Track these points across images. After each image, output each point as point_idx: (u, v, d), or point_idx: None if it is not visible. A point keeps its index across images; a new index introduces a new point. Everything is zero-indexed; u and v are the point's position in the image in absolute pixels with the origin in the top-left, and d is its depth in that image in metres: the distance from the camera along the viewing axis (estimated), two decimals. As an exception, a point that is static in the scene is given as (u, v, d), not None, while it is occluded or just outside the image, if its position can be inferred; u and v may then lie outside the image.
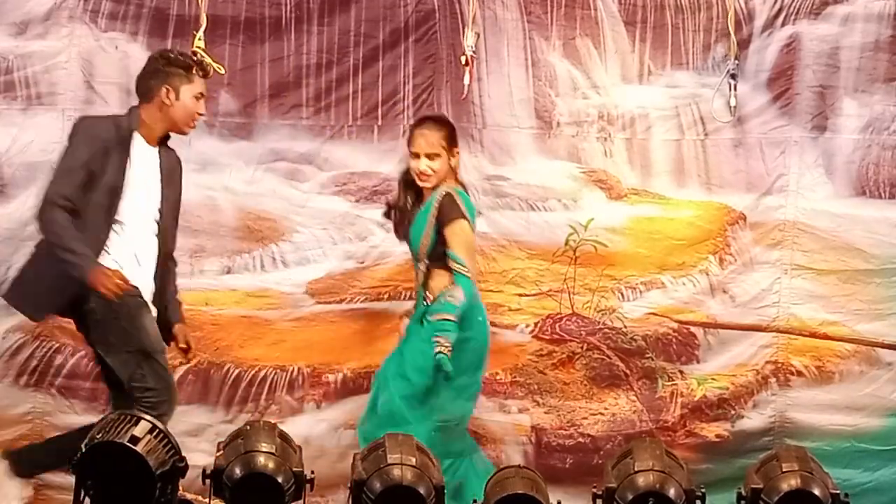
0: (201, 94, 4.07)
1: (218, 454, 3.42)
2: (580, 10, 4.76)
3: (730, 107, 4.34)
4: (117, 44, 4.63)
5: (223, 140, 4.69)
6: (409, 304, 4.62)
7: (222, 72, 4.11)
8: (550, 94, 4.77)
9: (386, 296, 4.73)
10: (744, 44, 4.73)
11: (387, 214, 4.27)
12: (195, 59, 4.09)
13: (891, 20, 4.79)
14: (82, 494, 3.34)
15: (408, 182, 4.20)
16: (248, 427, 3.49)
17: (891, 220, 4.80)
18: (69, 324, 4.64)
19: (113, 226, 4.03)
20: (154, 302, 4.11)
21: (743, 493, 3.48)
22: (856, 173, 4.81)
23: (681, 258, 4.80)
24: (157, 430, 3.40)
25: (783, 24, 4.77)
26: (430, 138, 4.15)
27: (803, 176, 4.79)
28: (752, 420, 4.79)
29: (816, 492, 3.41)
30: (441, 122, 4.24)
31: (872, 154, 4.81)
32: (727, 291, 4.81)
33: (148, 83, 4.07)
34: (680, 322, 4.74)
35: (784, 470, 3.45)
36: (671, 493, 3.39)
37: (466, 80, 4.15)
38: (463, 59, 4.15)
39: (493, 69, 4.73)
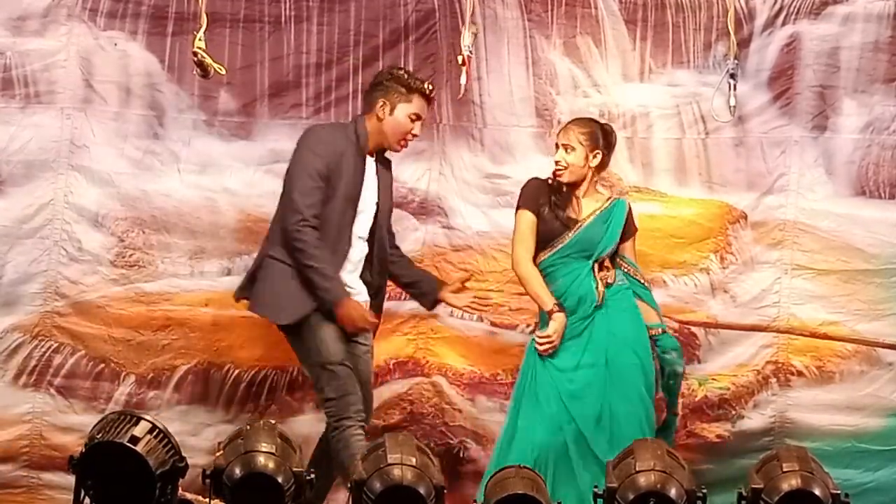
0: (417, 115, 4.15)
1: (218, 454, 3.42)
2: (581, 9, 4.75)
3: (729, 106, 4.33)
4: (116, 42, 4.62)
5: (223, 140, 4.68)
6: (412, 305, 4.62)
7: (223, 72, 4.10)
8: (551, 93, 4.77)
9: (386, 296, 4.73)
10: (744, 43, 4.73)
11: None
12: (197, 59, 4.08)
13: (891, 20, 4.78)
14: (82, 494, 3.34)
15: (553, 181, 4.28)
16: (248, 427, 3.49)
17: (891, 220, 4.80)
18: (69, 323, 4.66)
19: (352, 239, 4.13)
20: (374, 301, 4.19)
21: (744, 492, 3.48)
22: (856, 173, 4.81)
23: (682, 256, 4.80)
24: (157, 430, 3.40)
25: (783, 24, 4.77)
26: (570, 132, 4.27)
27: (804, 176, 4.78)
28: (753, 420, 4.79)
29: (817, 492, 3.41)
30: (591, 122, 4.34)
31: (872, 154, 4.81)
32: (728, 291, 4.81)
33: (371, 95, 4.20)
34: (681, 322, 4.74)
35: (784, 470, 3.45)
36: (672, 493, 3.39)
37: (463, 80, 4.15)
38: (460, 59, 4.15)
39: (493, 68, 4.73)
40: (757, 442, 4.72)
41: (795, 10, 4.76)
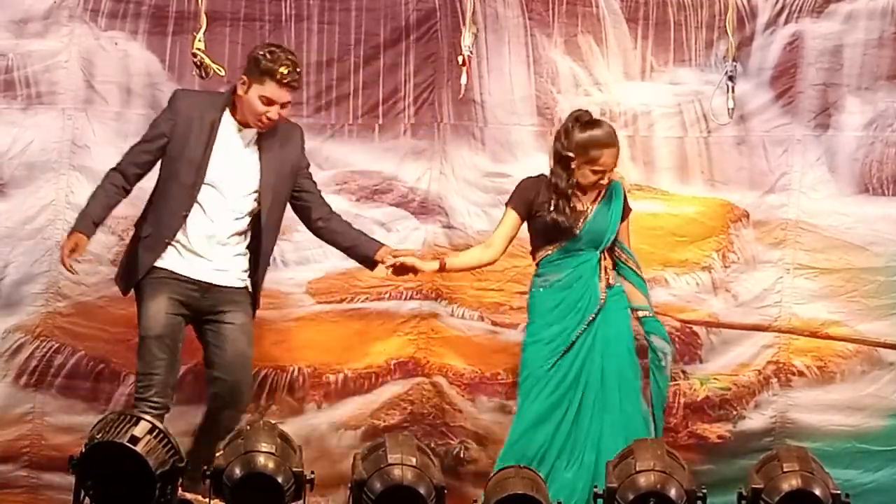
0: (269, 99, 4.03)
1: (218, 454, 3.42)
2: (582, 7, 4.74)
3: (727, 109, 4.32)
4: (117, 41, 4.62)
5: (224, 138, 4.67)
6: (412, 305, 4.62)
7: (222, 73, 4.10)
8: (552, 92, 4.76)
9: (386, 296, 4.73)
10: (746, 41, 4.72)
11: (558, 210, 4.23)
12: (197, 60, 4.08)
13: (894, 17, 4.76)
14: (82, 494, 3.35)
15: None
16: (248, 427, 3.50)
17: (893, 218, 4.78)
18: (70, 324, 4.66)
19: (204, 209, 4.05)
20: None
21: (744, 493, 3.47)
22: (859, 171, 4.79)
23: (683, 255, 4.79)
24: (157, 430, 3.40)
25: (786, 22, 4.75)
26: (618, 154, 4.22)
27: (806, 174, 4.77)
28: (754, 420, 4.78)
29: (817, 492, 3.41)
30: (617, 138, 4.28)
31: (876, 151, 4.79)
32: (729, 290, 4.80)
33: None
34: (682, 321, 4.73)
35: (785, 470, 3.45)
36: (672, 493, 3.39)
37: (464, 80, 4.14)
38: (460, 59, 4.14)
39: (494, 67, 4.72)
40: (758, 442, 4.71)
41: (798, 8, 4.75)
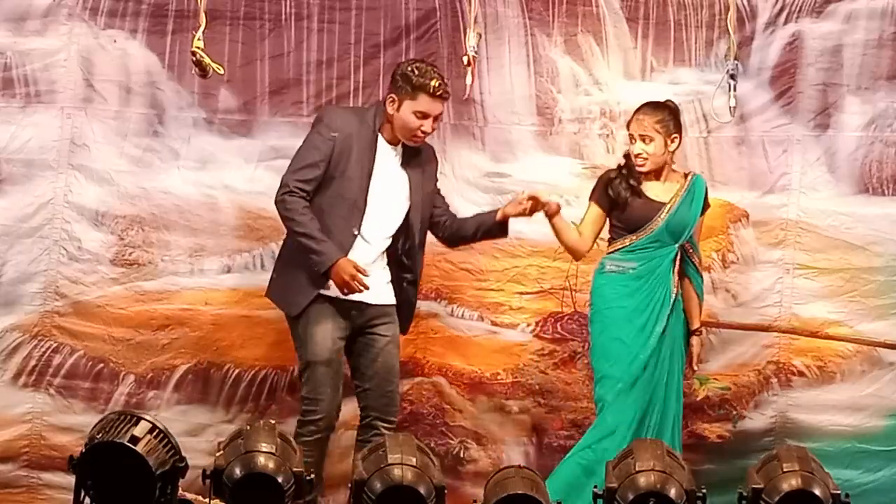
0: (423, 113, 4.11)
1: (218, 454, 3.42)
2: (582, 7, 4.74)
3: (729, 107, 4.33)
4: (116, 40, 4.62)
5: (223, 137, 4.68)
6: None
7: (221, 72, 4.10)
8: (552, 91, 4.76)
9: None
10: (746, 41, 4.72)
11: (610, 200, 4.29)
12: (196, 59, 4.07)
13: (893, 17, 4.77)
14: (82, 494, 3.34)
15: (625, 169, 4.32)
16: (248, 427, 3.49)
17: (893, 218, 4.79)
18: (68, 323, 4.66)
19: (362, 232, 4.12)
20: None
21: (744, 493, 3.47)
22: (858, 171, 4.80)
23: (683, 255, 4.80)
24: (157, 430, 3.40)
25: (786, 22, 4.75)
26: (643, 121, 4.29)
27: (806, 174, 4.77)
28: (754, 420, 4.78)
29: (817, 492, 3.40)
30: (659, 107, 4.35)
31: (875, 151, 4.80)
32: (729, 290, 4.80)
33: (389, 87, 4.19)
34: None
35: (785, 470, 3.45)
36: (672, 493, 3.38)
37: (469, 81, 4.15)
38: (465, 59, 4.15)
39: (494, 66, 4.72)
40: (758, 442, 4.71)
41: (797, 8, 4.75)
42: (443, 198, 4.37)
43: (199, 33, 4.03)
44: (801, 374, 4.80)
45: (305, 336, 4.12)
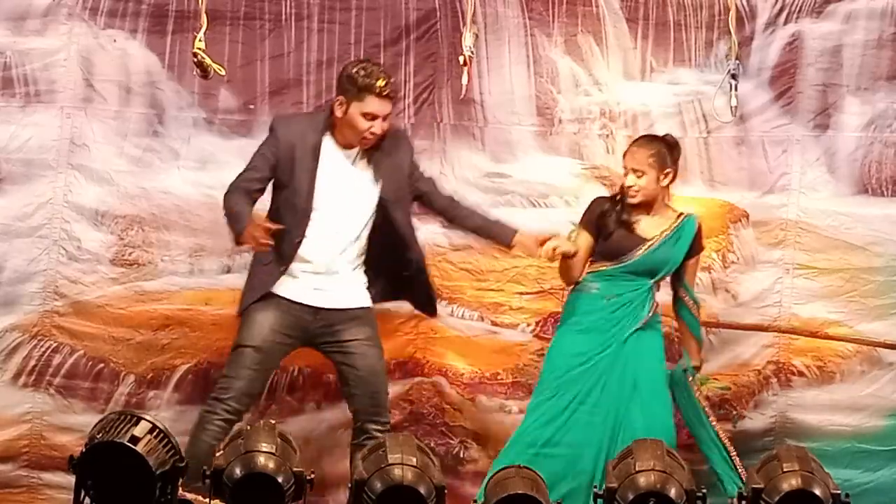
0: (372, 114, 4.04)
1: (218, 454, 3.42)
2: (582, 7, 4.75)
3: (731, 107, 4.33)
4: (116, 40, 4.62)
5: (223, 137, 4.68)
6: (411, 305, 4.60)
7: (223, 73, 4.10)
8: (552, 91, 4.76)
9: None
10: (746, 42, 4.72)
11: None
12: (197, 60, 4.07)
13: (893, 17, 4.77)
14: (82, 494, 3.34)
15: (618, 201, 4.33)
16: (248, 427, 3.49)
17: (893, 218, 4.79)
18: (68, 323, 4.66)
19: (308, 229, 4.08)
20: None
21: (744, 492, 3.47)
22: (858, 171, 4.80)
23: (683, 255, 4.80)
24: (157, 430, 3.39)
25: (785, 22, 4.76)
26: (637, 154, 4.28)
27: (805, 174, 4.77)
28: (754, 420, 4.78)
29: (817, 492, 3.40)
30: (654, 140, 4.35)
31: (875, 152, 4.80)
32: (729, 290, 4.80)
33: (337, 88, 4.12)
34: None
35: (785, 470, 3.45)
36: (672, 493, 3.38)
37: (465, 80, 4.14)
38: (461, 59, 4.15)
39: (494, 66, 4.72)
40: (758, 442, 4.71)
41: (797, 8, 4.75)
42: (430, 180, 4.29)
43: (201, 34, 4.03)
44: (800, 374, 4.80)
45: (245, 320, 4.09)
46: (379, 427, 4.16)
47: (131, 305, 4.64)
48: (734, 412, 4.78)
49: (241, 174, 4.16)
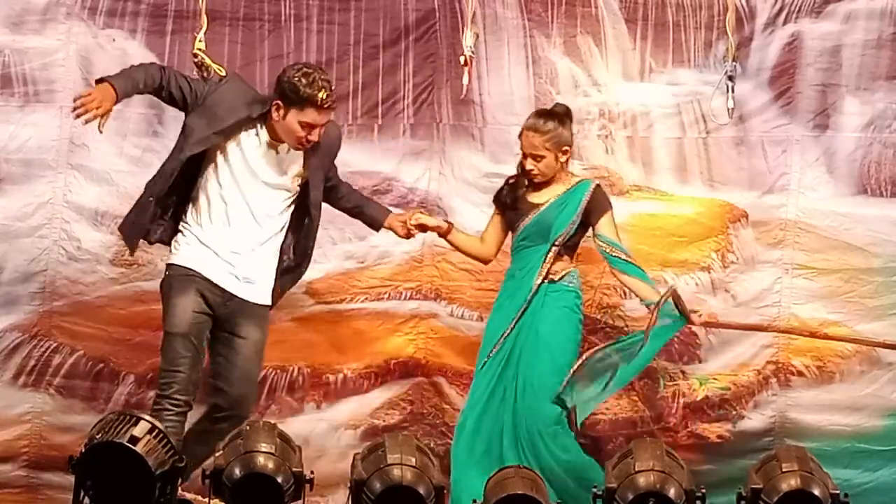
0: (309, 124, 3.94)
1: (218, 454, 3.42)
2: (581, 8, 4.75)
3: (727, 109, 4.33)
4: (115, 40, 4.61)
5: (223, 137, 4.67)
6: (412, 305, 4.61)
7: (223, 73, 4.10)
8: (551, 92, 4.77)
9: (386, 296, 4.73)
10: (745, 42, 4.72)
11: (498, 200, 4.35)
12: (198, 60, 4.05)
13: (893, 17, 4.77)
14: (82, 494, 3.34)
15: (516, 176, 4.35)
16: (248, 427, 3.49)
17: (892, 219, 4.79)
18: (68, 323, 4.65)
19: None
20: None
21: (743, 493, 3.47)
22: (857, 172, 4.80)
23: (683, 255, 4.80)
24: (157, 431, 3.39)
25: (785, 23, 4.76)
26: (532, 139, 4.27)
27: (805, 174, 4.78)
28: (753, 420, 4.78)
29: (816, 492, 3.41)
30: (548, 119, 4.30)
31: (874, 152, 4.80)
32: (728, 290, 4.81)
33: (275, 87, 3.99)
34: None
35: (784, 470, 3.45)
36: (671, 493, 3.39)
37: (465, 81, 4.15)
38: (462, 59, 4.15)
39: (493, 67, 4.72)
40: (757, 442, 4.71)
41: (797, 8, 4.75)
42: (335, 167, 4.17)
43: (201, 35, 4.03)
44: (800, 374, 4.81)
45: (167, 304, 3.98)
46: (226, 424, 3.92)
47: (131, 305, 4.64)
48: (734, 412, 4.78)
49: (175, 78, 3.93)
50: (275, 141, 4.02)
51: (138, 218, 4.00)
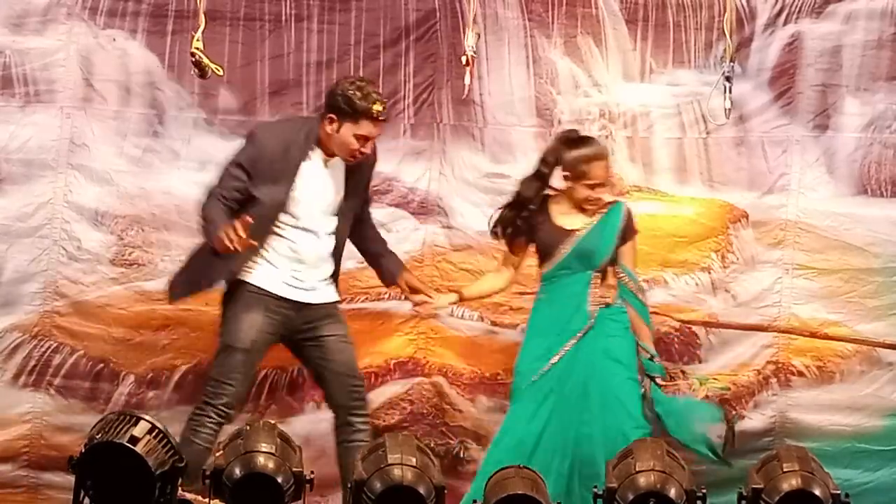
0: (364, 137, 4.06)
1: (218, 454, 3.42)
2: (581, 9, 4.75)
3: (725, 109, 4.34)
4: (115, 40, 4.62)
5: (223, 138, 4.68)
6: (411, 304, 4.60)
7: (220, 73, 4.10)
8: (552, 92, 4.77)
9: (386, 295, 4.73)
10: (745, 42, 4.73)
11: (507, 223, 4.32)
12: (195, 60, 4.07)
13: (893, 18, 4.78)
14: (82, 494, 3.34)
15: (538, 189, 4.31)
16: (248, 427, 3.49)
17: (892, 219, 4.79)
18: (68, 323, 4.66)
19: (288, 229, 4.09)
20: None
21: (744, 493, 3.47)
22: (857, 172, 4.80)
23: (683, 255, 4.80)
24: (157, 431, 3.40)
25: (785, 23, 4.76)
26: (604, 169, 4.26)
27: (805, 175, 4.78)
28: (753, 420, 4.79)
29: (817, 492, 3.41)
30: (600, 146, 4.32)
31: (874, 153, 4.81)
32: (729, 290, 4.81)
33: (327, 102, 4.12)
34: (681, 321, 4.73)
35: (785, 470, 3.45)
36: (672, 493, 3.38)
37: (467, 81, 4.15)
38: (464, 59, 4.15)
39: (494, 67, 4.73)
40: (757, 442, 4.71)
41: (797, 8, 4.76)
42: (368, 193, 4.30)
43: (199, 34, 4.03)
44: (800, 374, 4.81)
45: (232, 318, 4.08)
46: (361, 420, 4.14)
47: (131, 305, 4.64)
48: (734, 412, 4.78)
49: (217, 185, 4.12)
50: (327, 156, 4.14)
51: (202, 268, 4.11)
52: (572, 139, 4.30)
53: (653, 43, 4.78)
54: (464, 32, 4.40)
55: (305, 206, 4.12)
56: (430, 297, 4.28)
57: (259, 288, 4.09)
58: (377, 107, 4.05)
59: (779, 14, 4.76)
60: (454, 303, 4.39)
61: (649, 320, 4.36)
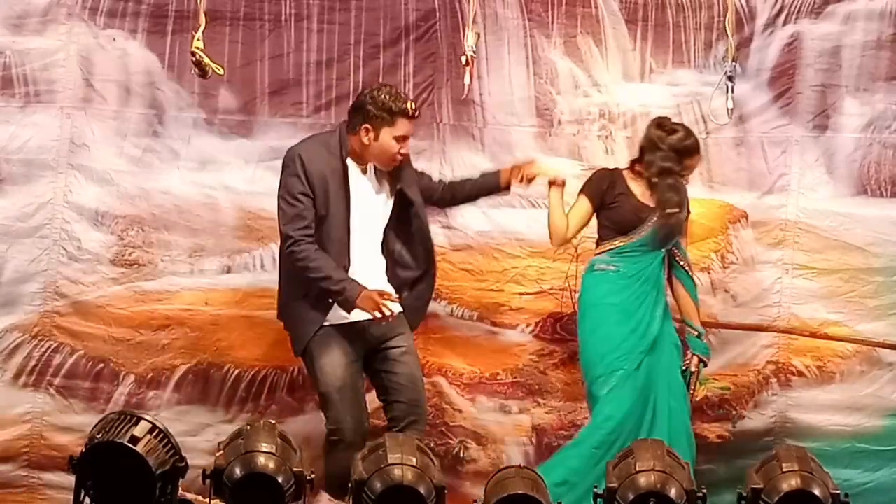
0: (403, 136, 4.13)
1: (218, 454, 3.42)
2: (581, 9, 4.75)
3: (727, 109, 4.34)
4: (115, 40, 4.62)
5: (223, 138, 4.68)
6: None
7: (221, 73, 4.10)
8: (551, 92, 4.77)
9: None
10: (745, 42, 4.73)
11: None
12: (196, 59, 4.07)
13: (892, 18, 4.78)
14: (82, 494, 3.34)
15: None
16: (248, 427, 3.48)
17: (892, 219, 4.80)
18: (68, 323, 4.66)
19: (353, 253, 4.15)
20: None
21: (743, 493, 3.47)
22: (857, 172, 4.81)
23: (682, 255, 4.81)
24: (157, 430, 3.39)
25: (784, 23, 4.77)
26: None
27: (804, 175, 4.78)
28: (753, 420, 4.79)
29: (817, 492, 3.41)
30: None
31: (874, 153, 4.81)
32: (729, 290, 4.81)
33: (354, 116, 4.17)
34: (682, 322, 4.73)
35: (784, 470, 3.45)
36: (672, 493, 3.38)
37: (467, 81, 4.16)
38: (463, 59, 4.16)
39: (493, 67, 4.73)
40: (757, 442, 4.72)
41: (797, 9, 4.76)
42: (428, 176, 4.38)
43: (199, 34, 4.03)
44: (800, 374, 4.81)
45: (314, 370, 4.19)
46: (417, 434, 4.15)
47: (131, 305, 4.64)
48: (734, 412, 4.79)
49: (290, 221, 4.12)
50: (363, 165, 4.18)
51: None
52: (674, 128, 4.36)
53: (653, 43, 4.78)
54: (464, 32, 4.40)
55: (362, 220, 4.17)
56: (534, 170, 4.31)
57: (331, 325, 4.16)
58: (409, 104, 4.14)
59: (778, 14, 4.77)
60: (560, 180, 4.33)
61: (696, 296, 4.41)
